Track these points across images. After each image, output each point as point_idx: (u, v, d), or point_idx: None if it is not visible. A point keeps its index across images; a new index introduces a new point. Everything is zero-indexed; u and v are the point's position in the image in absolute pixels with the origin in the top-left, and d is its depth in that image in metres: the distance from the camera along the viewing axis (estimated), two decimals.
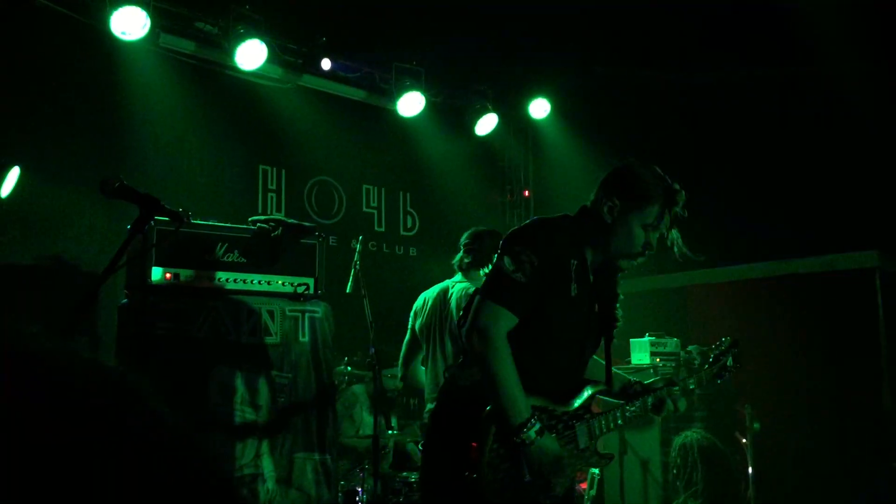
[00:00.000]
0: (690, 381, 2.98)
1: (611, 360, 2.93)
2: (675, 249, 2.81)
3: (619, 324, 2.87)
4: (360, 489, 4.88)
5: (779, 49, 6.63)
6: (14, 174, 4.33)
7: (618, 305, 2.86)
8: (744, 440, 5.89)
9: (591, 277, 2.74)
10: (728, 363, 3.11)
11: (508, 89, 7.52)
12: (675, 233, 2.80)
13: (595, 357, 2.96)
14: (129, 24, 5.18)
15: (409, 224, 7.33)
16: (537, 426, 2.54)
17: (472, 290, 4.25)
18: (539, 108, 7.45)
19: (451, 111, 7.28)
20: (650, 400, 2.88)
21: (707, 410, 5.80)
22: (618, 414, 2.81)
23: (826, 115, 6.66)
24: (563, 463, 2.63)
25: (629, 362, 6.10)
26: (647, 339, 6.08)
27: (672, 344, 6.07)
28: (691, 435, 5.06)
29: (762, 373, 6.51)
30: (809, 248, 6.69)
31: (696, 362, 5.88)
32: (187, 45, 5.83)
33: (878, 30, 6.17)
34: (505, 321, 2.55)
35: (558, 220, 2.78)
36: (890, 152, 6.29)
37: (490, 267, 3.74)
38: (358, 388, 5.59)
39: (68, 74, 5.38)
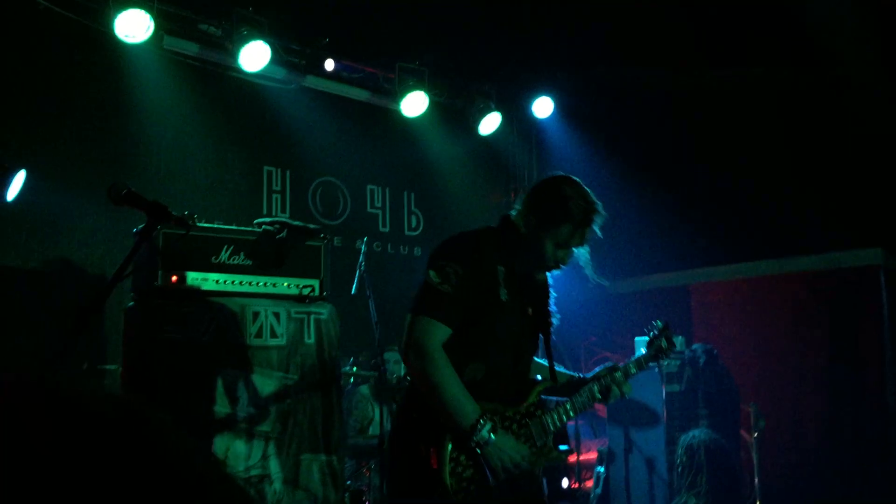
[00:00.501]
0: (631, 365, 3.08)
1: (552, 358, 3.00)
2: (587, 270, 2.92)
3: (554, 321, 2.95)
4: (366, 489, 4.90)
5: (782, 48, 6.63)
6: (20, 178, 4.35)
7: (551, 303, 2.94)
8: (751, 437, 5.91)
9: (521, 282, 2.82)
10: (663, 345, 3.21)
11: (512, 88, 7.53)
12: (584, 253, 2.89)
13: (535, 358, 3.02)
14: (133, 27, 5.20)
15: (414, 224, 7.34)
16: (489, 425, 2.59)
17: None
18: (542, 108, 7.46)
19: (454, 111, 7.29)
20: (596, 388, 2.97)
21: (711, 408, 5.81)
22: (567, 406, 2.88)
23: (829, 114, 6.65)
24: (526, 460, 2.66)
25: None
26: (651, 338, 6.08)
27: (677, 342, 6.08)
28: (698, 434, 5.07)
29: (767, 370, 6.52)
30: (814, 245, 6.70)
31: (702, 361, 5.90)
32: (191, 48, 5.84)
33: (882, 28, 6.16)
34: (438, 333, 2.62)
35: (480, 232, 2.90)
36: (894, 149, 6.29)
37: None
38: (364, 389, 5.61)
39: (72, 77, 5.40)
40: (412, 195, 7.37)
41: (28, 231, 5.06)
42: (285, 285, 4.26)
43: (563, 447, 2.89)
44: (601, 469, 5.98)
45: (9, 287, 4.89)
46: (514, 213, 2.91)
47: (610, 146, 7.66)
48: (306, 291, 4.30)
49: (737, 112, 6.90)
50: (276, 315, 4.18)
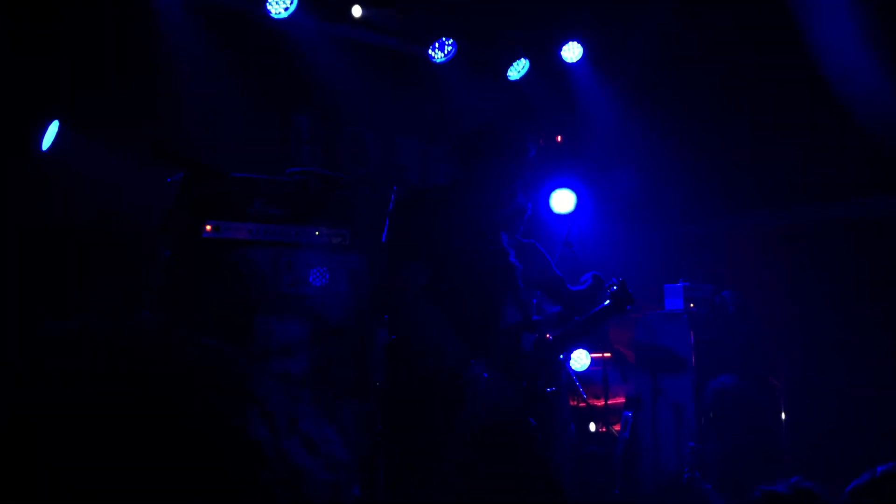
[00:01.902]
0: (599, 314, 3.39)
1: (523, 303, 3.13)
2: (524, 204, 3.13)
3: (518, 272, 3.10)
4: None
5: None
6: (53, 128, 4.40)
7: (513, 258, 3.10)
8: (780, 383, 5.94)
9: (486, 231, 2.99)
10: (620, 296, 3.46)
11: (540, 33, 7.42)
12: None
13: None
14: None
15: (444, 173, 7.34)
16: (480, 365, 2.70)
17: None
18: (571, 53, 7.36)
19: (482, 57, 7.22)
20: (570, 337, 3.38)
21: (739, 355, 5.83)
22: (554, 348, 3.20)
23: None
24: (518, 395, 2.80)
25: (663, 307, 6.12)
26: (680, 284, 6.09)
27: (706, 289, 6.08)
28: (727, 381, 5.12)
29: (798, 318, 6.50)
30: (854, 191, 6.59)
31: (731, 308, 5.90)
32: None
33: None
34: (418, 276, 2.76)
35: (444, 185, 3.19)
36: None
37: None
38: None
39: (101, 27, 5.40)
40: (441, 144, 7.35)
41: (61, 181, 5.12)
42: (317, 234, 4.31)
43: (549, 389, 3.13)
44: (629, 414, 6.05)
45: (46, 239, 4.98)
46: (460, 167, 3.13)
47: (640, 91, 7.56)
48: (338, 241, 4.36)
49: (775, 53, 6.75)
50: (309, 264, 4.24)
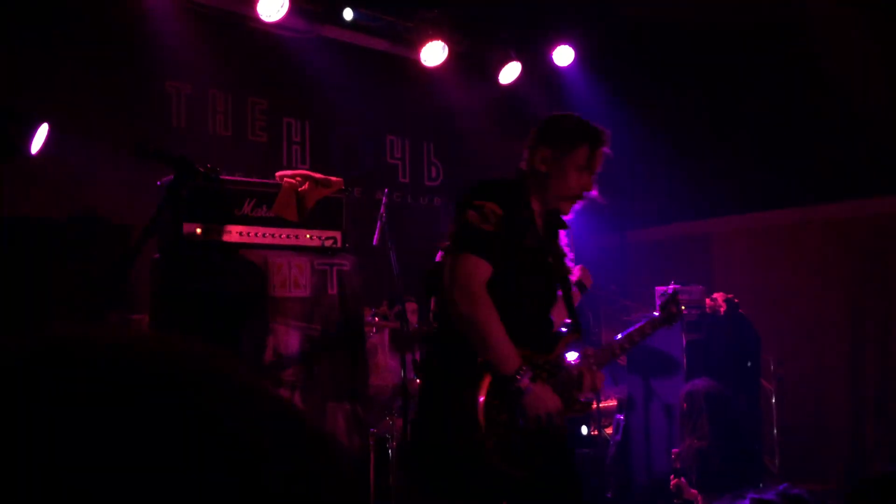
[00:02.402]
0: (646, 326, 3.27)
1: (573, 309, 3.04)
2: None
3: (571, 275, 3.03)
4: (389, 436, 4.99)
5: None
6: (43, 131, 4.38)
7: (564, 259, 3.00)
8: (771, 386, 5.94)
9: (542, 231, 2.89)
10: (673, 310, 3.44)
11: (532, 36, 7.43)
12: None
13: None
14: None
15: (434, 174, 7.34)
16: (530, 373, 2.63)
17: None
18: (563, 56, 7.37)
19: (474, 60, 7.22)
20: (616, 347, 3.14)
21: (731, 357, 5.83)
22: (591, 360, 2.96)
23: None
24: (558, 412, 2.71)
25: (655, 310, 6.13)
26: (671, 287, 6.09)
27: (697, 291, 6.08)
28: (698, 383, 5.13)
29: (787, 319, 6.52)
30: (836, 193, 6.63)
31: (722, 310, 5.90)
32: None
33: None
34: (481, 271, 2.64)
35: (505, 180, 2.95)
36: None
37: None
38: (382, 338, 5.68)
39: (91, 28, 5.38)
40: (432, 145, 7.34)
41: (52, 184, 5.11)
42: (308, 237, 4.29)
43: (585, 400, 2.94)
44: (621, 416, 6.04)
45: (34, 240, 4.96)
46: (524, 163, 2.95)
47: (630, 94, 7.57)
48: (328, 243, 4.34)
49: (761, 55, 6.78)
50: (299, 267, 4.22)
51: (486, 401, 2.61)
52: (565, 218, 3.00)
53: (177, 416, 0.50)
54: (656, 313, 3.47)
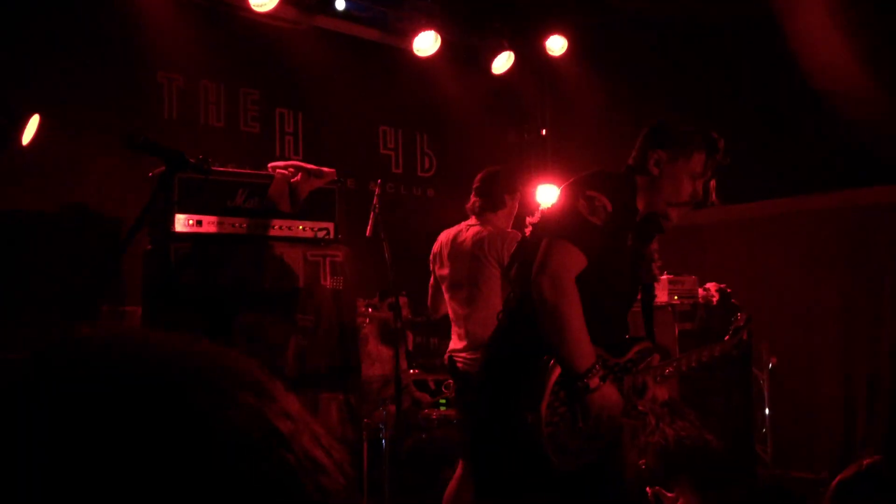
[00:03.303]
0: (717, 348, 3.13)
1: (651, 316, 3.01)
2: (709, 198, 2.89)
3: (656, 281, 2.97)
4: (382, 426, 5.00)
5: None
6: (34, 122, 4.36)
7: (653, 264, 2.94)
8: (762, 374, 5.97)
9: (642, 231, 2.83)
10: (743, 338, 3.20)
11: (524, 26, 7.42)
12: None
13: None
14: None
15: (427, 165, 7.33)
16: (602, 373, 2.59)
17: (485, 233, 4.30)
18: (556, 45, 7.35)
19: (466, 49, 7.21)
20: (683, 363, 3.01)
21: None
22: (659, 372, 2.88)
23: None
24: (619, 415, 2.69)
25: None
26: (664, 276, 6.10)
27: (689, 281, 6.09)
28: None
29: (780, 309, 6.54)
30: (827, 183, 6.64)
31: (715, 300, 5.92)
32: None
33: None
34: (577, 262, 2.59)
35: (619, 174, 2.85)
36: None
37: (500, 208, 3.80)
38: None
39: (82, 20, 5.36)
40: (425, 136, 7.34)
41: (43, 175, 5.09)
42: (300, 228, 4.29)
43: (643, 410, 2.88)
44: None
45: (25, 231, 4.95)
46: (633, 160, 2.88)
47: (623, 84, 7.56)
48: (321, 234, 4.34)
49: (753, 48, 6.78)
50: (292, 258, 4.22)
51: (551, 390, 2.59)
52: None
53: (171, 416, 0.50)
54: (726, 338, 3.27)
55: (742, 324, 3.24)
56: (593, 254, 2.60)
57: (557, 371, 2.60)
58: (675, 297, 6.02)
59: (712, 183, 2.88)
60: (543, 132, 8.09)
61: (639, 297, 3.06)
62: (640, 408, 2.82)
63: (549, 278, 2.56)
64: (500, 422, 2.70)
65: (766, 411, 6.05)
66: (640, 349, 2.86)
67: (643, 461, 4.91)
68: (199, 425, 0.51)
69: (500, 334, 2.90)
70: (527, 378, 2.63)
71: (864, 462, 1.95)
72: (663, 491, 4.89)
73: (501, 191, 4.45)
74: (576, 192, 2.70)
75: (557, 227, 2.66)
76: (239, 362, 0.58)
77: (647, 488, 5.03)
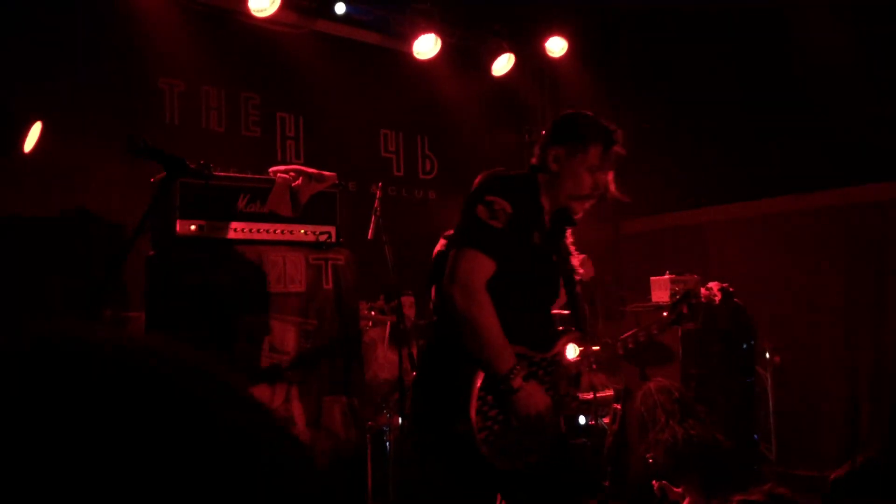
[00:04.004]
0: (653, 326, 3.23)
1: (579, 308, 3.03)
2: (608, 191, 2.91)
3: (577, 275, 2.99)
4: (386, 429, 5.01)
5: None
6: (36, 129, 4.38)
7: (571, 258, 2.97)
8: (766, 373, 5.96)
9: (551, 228, 2.87)
10: (684, 311, 3.33)
11: (524, 28, 7.43)
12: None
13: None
14: None
15: (428, 167, 7.34)
16: (523, 373, 2.63)
17: None
18: (556, 46, 7.37)
19: (467, 52, 7.22)
20: (620, 346, 3.08)
21: (726, 346, 5.85)
22: (591, 360, 2.93)
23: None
24: (549, 411, 2.72)
25: (650, 300, 6.14)
26: (666, 276, 6.10)
27: (691, 281, 6.09)
28: (649, 384, 5.18)
29: (783, 307, 6.54)
30: (831, 180, 6.63)
31: (717, 299, 5.92)
32: None
33: None
34: (484, 268, 2.63)
35: (518, 175, 2.90)
36: None
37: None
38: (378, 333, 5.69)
39: (84, 27, 5.38)
40: (426, 138, 7.35)
41: (45, 182, 5.11)
42: (302, 232, 4.30)
43: (583, 399, 2.93)
44: (617, 406, 6.06)
45: (28, 237, 4.96)
46: (536, 159, 2.91)
47: (623, 84, 7.57)
48: (323, 238, 4.35)
49: (754, 46, 6.79)
50: (294, 262, 4.23)
51: (478, 396, 2.63)
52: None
53: (163, 417, 0.51)
54: (665, 313, 3.38)
55: (683, 295, 3.36)
56: (500, 256, 2.64)
57: (482, 376, 2.63)
58: (678, 297, 6.02)
59: (610, 174, 2.88)
60: (544, 133, 8.09)
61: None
62: (579, 397, 2.87)
63: (459, 287, 2.60)
64: (437, 434, 2.73)
65: (770, 409, 6.04)
66: (569, 340, 2.89)
67: (650, 455, 4.92)
68: (202, 422, 0.51)
69: (426, 349, 2.95)
70: (453, 388, 2.66)
71: (858, 459, 1.96)
72: (670, 486, 4.89)
73: None
74: (475, 199, 2.73)
75: (461, 236, 2.70)
76: (206, 362, 0.58)
77: (654, 482, 5.04)
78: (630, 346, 3.12)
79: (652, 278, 6.18)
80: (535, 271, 2.79)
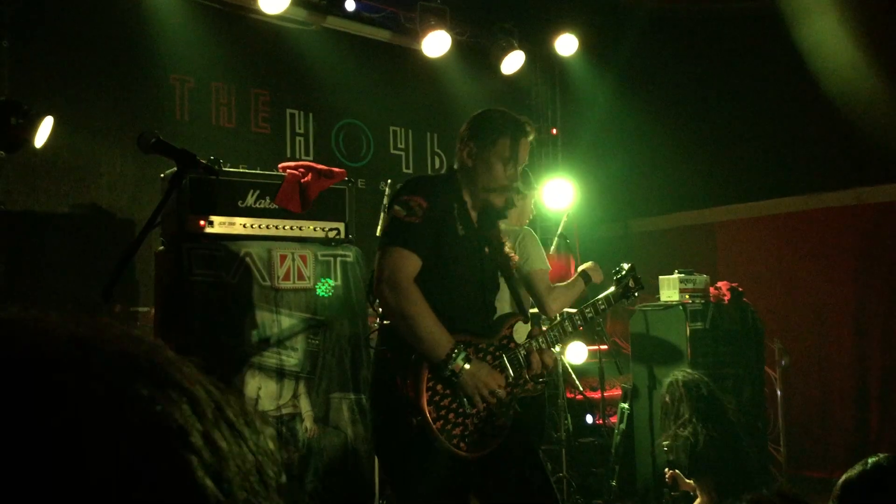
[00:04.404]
0: (600, 301, 3.39)
1: (517, 294, 3.16)
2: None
3: (514, 262, 3.12)
4: None
5: None
6: (47, 124, 4.39)
7: (506, 246, 3.09)
8: (775, 374, 5.95)
9: (476, 221, 2.96)
10: (630, 284, 3.50)
11: (535, 26, 7.42)
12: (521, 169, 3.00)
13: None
14: None
15: (437, 165, 7.34)
16: (463, 354, 2.69)
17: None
18: (566, 45, 7.35)
19: (476, 50, 7.21)
20: (567, 324, 3.17)
21: (735, 346, 5.83)
22: (540, 340, 3.00)
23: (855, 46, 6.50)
24: (501, 388, 2.78)
25: (658, 299, 6.12)
26: (675, 275, 6.08)
27: (701, 281, 6.08)
28: (676, 374, 5.14)
29: (792, 308, 6.52)
30: (840, 181, 6.61)
31: (726, 299, 5.90)
32: None
33: None
34: (409, 264, 2.71)
35: (437, 175, 3.15)
36: None
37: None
38: None
39: (95, 22, 5.39)
40: (435, 136, 7.34)
41: (56, 177, 5.13)
42: (311, 228, 4.31)
43: (541, 379, 3.00)
44: (625, 405, 6.06)
45: (38, 231, 4.98)
46: (455, 157, 3.04)
47: (633, 83, 7.56)
48: (332, 234, 4.35)
49: (763, 45, 6.77)
50: (303, 258, 4.24)
51: (427, 387, 2.69)
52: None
53: (50, 410, 0.47)
54: (612, 288, 3.51)
55: (627, 270, 3.48)
56: (424, 250, 2.73)
57: (427, 367, 2.70)
58: (687, 297, 6.00)
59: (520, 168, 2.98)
60: (554, 131, 8.08)
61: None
62: (529, 377, 2.92)
63: (387, 284, 2.69)
64: (393, 432, 2.78)
65: (779, 410, 6.02)
66: (512, 324, 2.96)
67: (666, 443, 4.92)
68: (80, 421, 0.47)
69: (376, 354, 3.00)
70: (401, 384, 2.72)
71: (870, 461, 1.94)
72: (682, 477, 4.89)
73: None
74: (392, 201, 2.88)
75: (384, 237, 2.83)
76: (141, 346, 0.54)
77: (667, 469, 5.04)
78: (578, 321, 3.24)
79: (661, 277, 6.16)
80: (463, 261, 2.86)
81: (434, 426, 2.67)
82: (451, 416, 2.71)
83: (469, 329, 2.83)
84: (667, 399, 5.05)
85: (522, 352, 2.92)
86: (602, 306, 3.38)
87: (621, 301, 3.53)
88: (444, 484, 2.71)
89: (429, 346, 2.67)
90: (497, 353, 2.88)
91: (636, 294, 3.56)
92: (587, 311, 3.29)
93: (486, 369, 2.75)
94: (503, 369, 2.86)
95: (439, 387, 2.70)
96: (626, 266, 3.52)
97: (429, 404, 2.68)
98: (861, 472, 1.83)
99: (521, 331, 2.97)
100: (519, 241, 4.00)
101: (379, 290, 2.72)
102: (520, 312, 3.07)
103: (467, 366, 2.68)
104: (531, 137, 2.98)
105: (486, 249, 2.96)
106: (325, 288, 4.26)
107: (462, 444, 2.72)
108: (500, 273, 3.05)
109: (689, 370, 5.21)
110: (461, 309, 2.83)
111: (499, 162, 2.89)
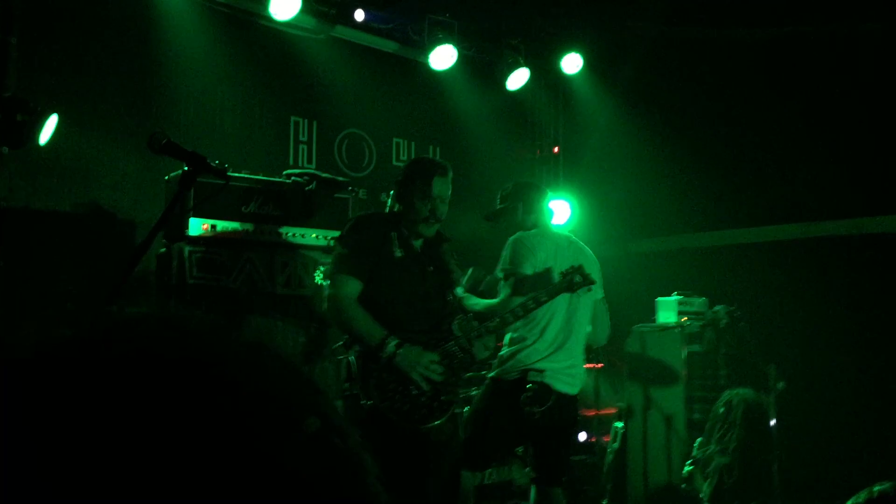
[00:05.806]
0: (542, 293, 3.71)
1: (451, 305, 3.64)
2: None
3: (455, 278, 3.68)
4: None
5: (811, 5, 6.50)
6: (52, 122, 4.39)
7: (451, 266, 3.66)
8: (770, 398, 5.94)
9: (418, 247, 3.52)
10: (575, 279, 3.74)
11: (541, 44, 7.45)
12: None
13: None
14: None
15: None
16: (394, 341, 3.24)
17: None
18: (571, 64, 7.38)
19: (482, 65, 7.23)
20: (508, 316, 3.66)
21: (731, 369, 5.83)
22: (475, 324, 3.54)
23: (854, 75, 6.54)
24: (436, 363, 3.31)
25: (654, 321, 6.13)
26: (674, 297, 6.09)
27: (699, 303, 6.08)
28: (741, 392, 5.10)
29: (789, 333, 6.52)
30: (838, 210, 6.64)
31: (723, 322, 5.91)
32: None
33: None
34: (348, 285, 3.31)
35: (375, 212, 3.83)
36: None
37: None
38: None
39: (104, 22, 5.40)
40: (438, 149, 7.35)
41: (59, 175, 5.12)
42: (313, 236, 4.31)
43: (482, 359, 3.60)
44: (619, 424, 6.05)
45: (39, 230, 4.97)
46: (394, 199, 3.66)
47: (637, 104, 7.58)
48: (333, 243, 4.35)
49: (766, 72, 6.81)
50: (305, 265, 4.24)
51: (372, 373, 3.23)
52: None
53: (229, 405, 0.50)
54: (558, 280, 3.78)
55: (575, 267, 3.75)
56: (357, 272, 3.33)
57: (370, 359, 3.24)
58: (684, 319, 6.01)
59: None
60: (556, 149, 8.10)
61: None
62: (470, 359, 3.49)
63: (329, 302, 3.36)
64: (354, 416, 3.21)
65: (774, 434, 6.01)
66: (455, 320, 3.49)
67: (690, 468, 4.93)
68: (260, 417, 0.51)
69: (342, 360, 3.50)
70: (349, 377, 3.29)
71: (875, 489, 1.92)
72: (700, 477, 4.90)
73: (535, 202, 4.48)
74: (335, 241, 3.55)
75: (330, 269, 3.48)
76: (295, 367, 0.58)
77: (689, 462, 5.06)
78: (519, 312, 3.67)
79: (658, 298, 6.17)
80: (403, 277, 3.41)
81: (381, 405, 3.18)
82: (397, 396, 3.23)
83: (412, 329, 3.37)
84: (720, 413, 5.03)
85: (464, 340, 3.44)
86: (544, 299, 3.70)
87: (559, 293, 3.77)
88: (403, 461, 3.19)
89: (364, 336, 3.26)
90: (436, 343, 3.39)
91: (588, 288, 3.79)
92: (529, 303, 3.68)
93: (416, 350, 3.27)
94: (445, 356, 3.38)
95: (384, 375, 3.23)
96: (575, 265, 3.79)
97: (375, 388, 3.20)
98: (867, 500, 1.81)
99: (461, 325, 3.49)
100: (508, 248, 4.06)
101: (325, 312, 3.40)
102: (449, 308, 3.58)
103: (400, 350, 3.22)
104: (448, 175, 3.55)
105: (431, 268, 3.51)
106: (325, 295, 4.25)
107: (413, 417, 3.24)
108: (444, 287, 3.58)
109: (754, 392, 5.16)
110: (406, 315, 3.37)
111: (419, 199, 3.45)
